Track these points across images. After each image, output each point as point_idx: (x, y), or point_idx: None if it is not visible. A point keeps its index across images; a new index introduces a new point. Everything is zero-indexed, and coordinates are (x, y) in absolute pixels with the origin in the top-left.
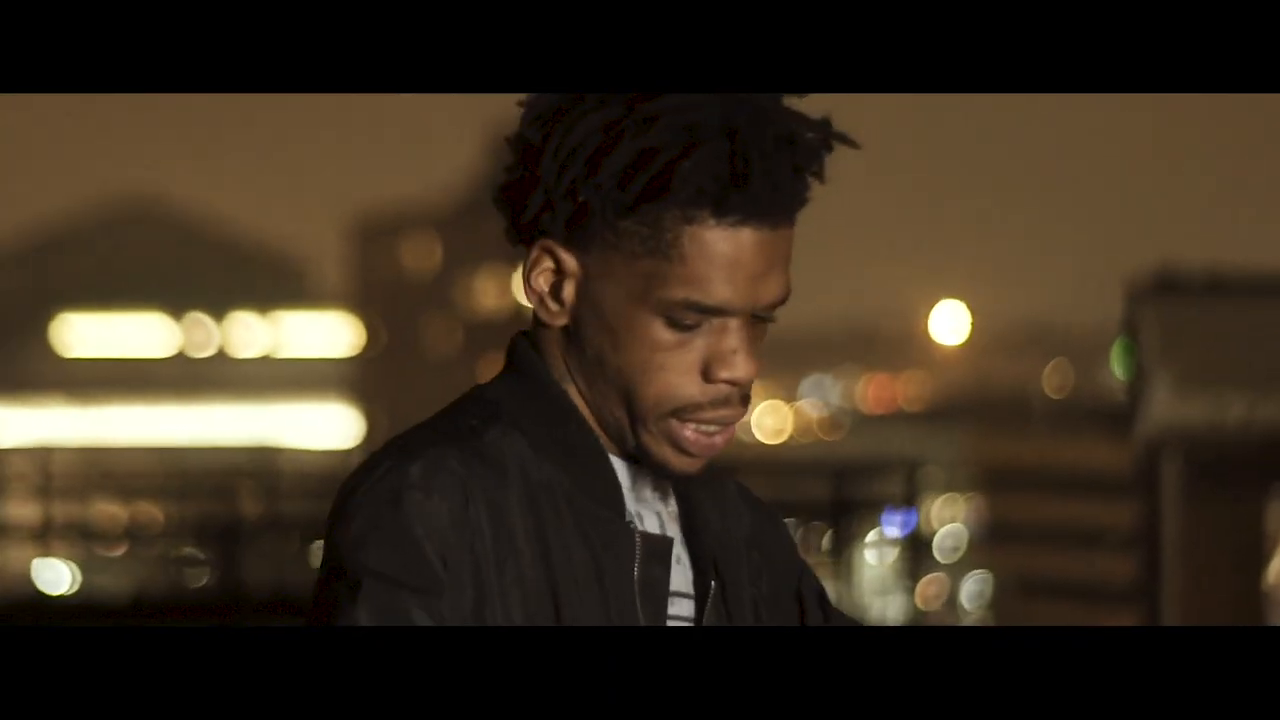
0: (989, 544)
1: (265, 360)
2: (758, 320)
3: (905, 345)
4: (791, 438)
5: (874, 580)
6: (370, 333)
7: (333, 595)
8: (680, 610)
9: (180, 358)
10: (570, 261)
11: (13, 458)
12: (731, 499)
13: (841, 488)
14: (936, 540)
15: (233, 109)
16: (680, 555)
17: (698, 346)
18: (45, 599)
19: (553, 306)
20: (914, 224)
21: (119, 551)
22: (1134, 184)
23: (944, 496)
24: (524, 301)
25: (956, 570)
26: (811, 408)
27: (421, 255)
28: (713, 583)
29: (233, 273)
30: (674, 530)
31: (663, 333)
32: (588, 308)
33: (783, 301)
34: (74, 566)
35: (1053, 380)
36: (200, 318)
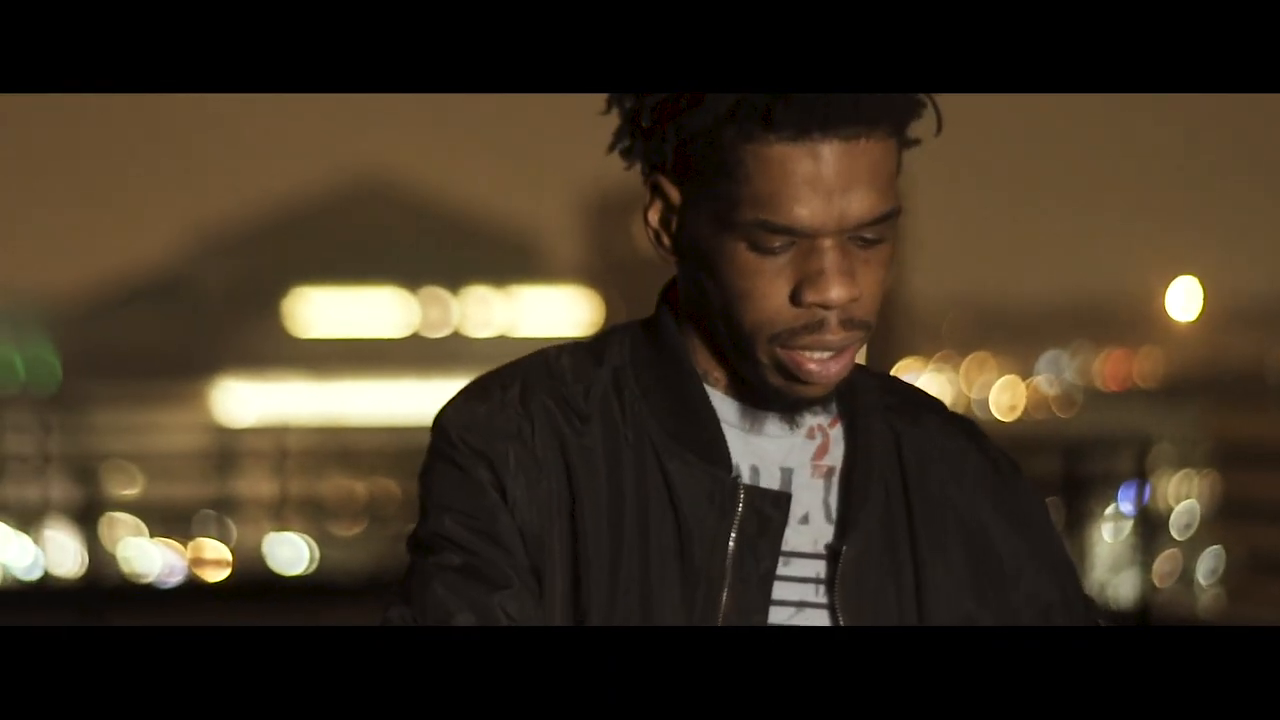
0: (1224, 520)
1: (501, 339)
2: (859, 241)
3: (1141, 321)
4: (1025, 413)
5: (1108, 557)
6: (608, 310)
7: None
8: (800, 571)
9: (416, 338)
10: (674, 193)
11: (250, 435)
12: (936, 441)
13: (1074, 464)
14: (1172, 517)
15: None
16: (813, 512)
17: (786, 269)
18: (279, 577)
19: (666, 241)
20: (1151, 199)
21: (356, 529)
22: None
23: (1180, 473)
24: None
25: (1191, 547)
26: (1047, 384)
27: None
28: (844, 547)
29: (468, 248)
30: (815, 485)
31: (747, 256)
32: (686, 238)
33: (882, 219)
34: (311, 543)
35: None
36: (437, 292)
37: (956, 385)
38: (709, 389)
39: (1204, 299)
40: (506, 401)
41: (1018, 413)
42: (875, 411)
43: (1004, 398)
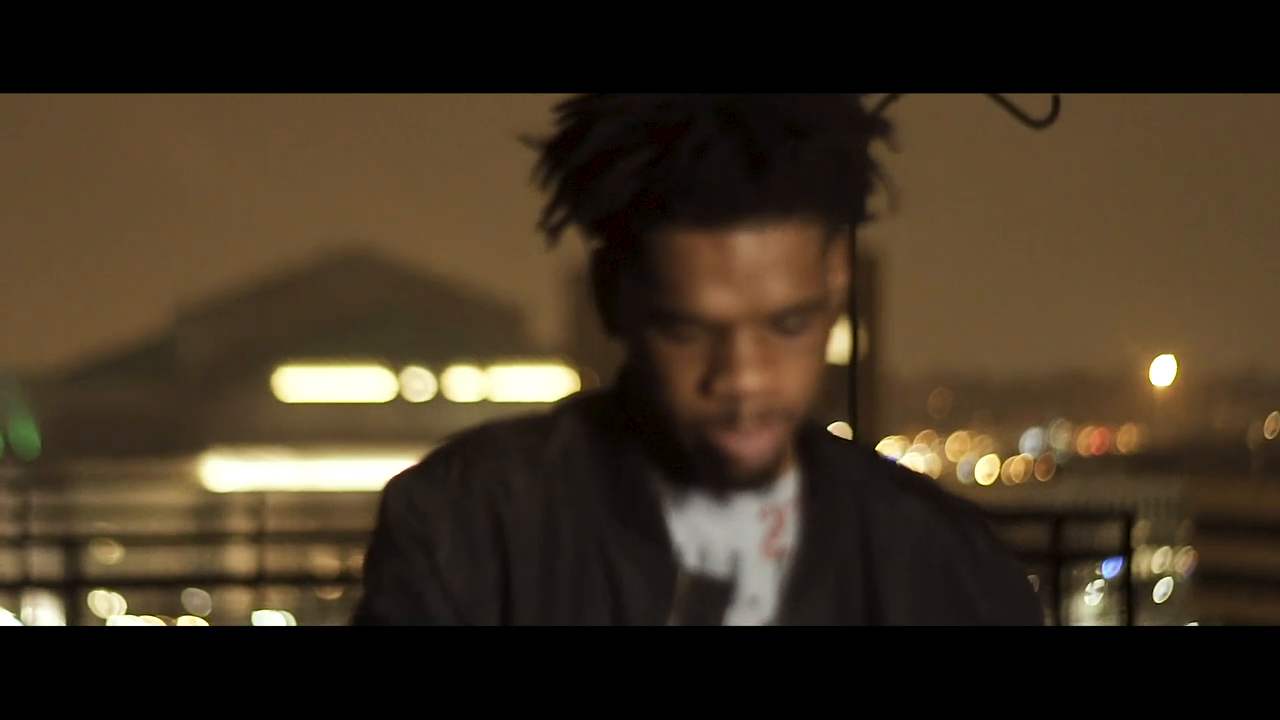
0: (1201, 590)
1: (484, 403)
2: (780, 330)
3: (1121, 398)
4: (999, 480)
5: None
6: (586, 386)
7: None
8: None
9: (400, 404)
10: (602, 269)
11: (233, 508)
12: (911, 526)
13: (1058, 536)
14: (1153, 589)
15: (441, 151)
16: (762, 593)
17: (699, 358)
18: None
19: (601, 316)
20: (1128, 276)
21: (335, 595)
22: None
23: (1161, 549)
24: None
25: (1171, 618)
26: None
27: None
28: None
29: (450, 323)
30: (766, 566)
31: (661, 344)
32: (620, 319)
33: (803, 309)
34: (291, 617)
35: (1273, 427)
36: (419, 372)
37: (940, 462)
38: (658, 469)
39: (1180, 374)
40: (449, 480)
41: (991, 479)
42: (841, 489)
43: (984, 469)
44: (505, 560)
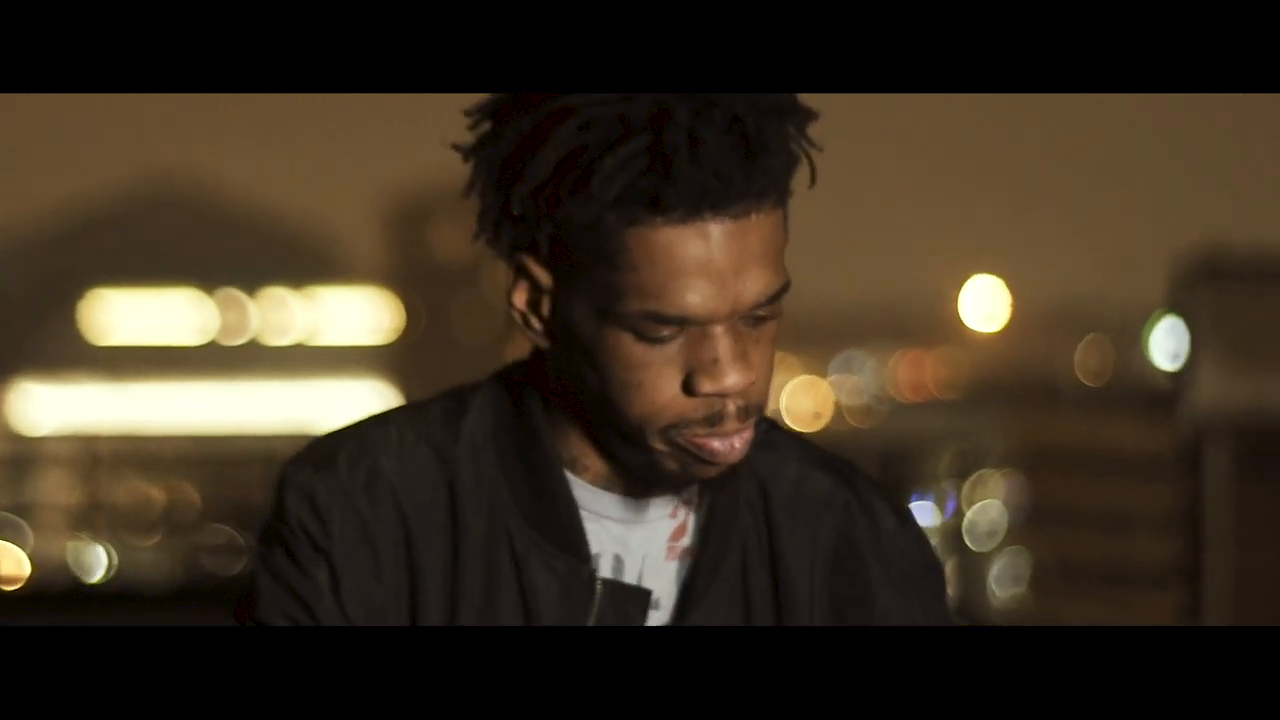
0: (1026, 526)
1: (300, 347)
2: (750, 320)
3: (938, 324)
4: (829, 426)
5: None
6: (407, 315)
7: None
8: None
9: (213, 345)
10: (544, 276)
11: (47, 440)
12: (815, 506)
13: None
14: (966, 524)
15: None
16: (664, 597)
17: (676, 359)
18: (82, 586)
19: (535, 325)
20: (946, 200)
21: (155, 538)
22: (1173, 164)
23: (976, 474)
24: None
25: (988, 554)
26: (843, 390)
27: (459, 238)
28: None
29: (266, 250)
30: (668, 568)
31: (633, 347)
32: (561, 324)
33: (775, 298)
34: (110, 550)
35: (1088, 362)
36: (234, 295)
37: None
38: (574, 477)
39: (1006, 303)
40: (352, 482)
41: (823, 421)
42: (744, 474)
43: (804, 404)
44: (411, 570)
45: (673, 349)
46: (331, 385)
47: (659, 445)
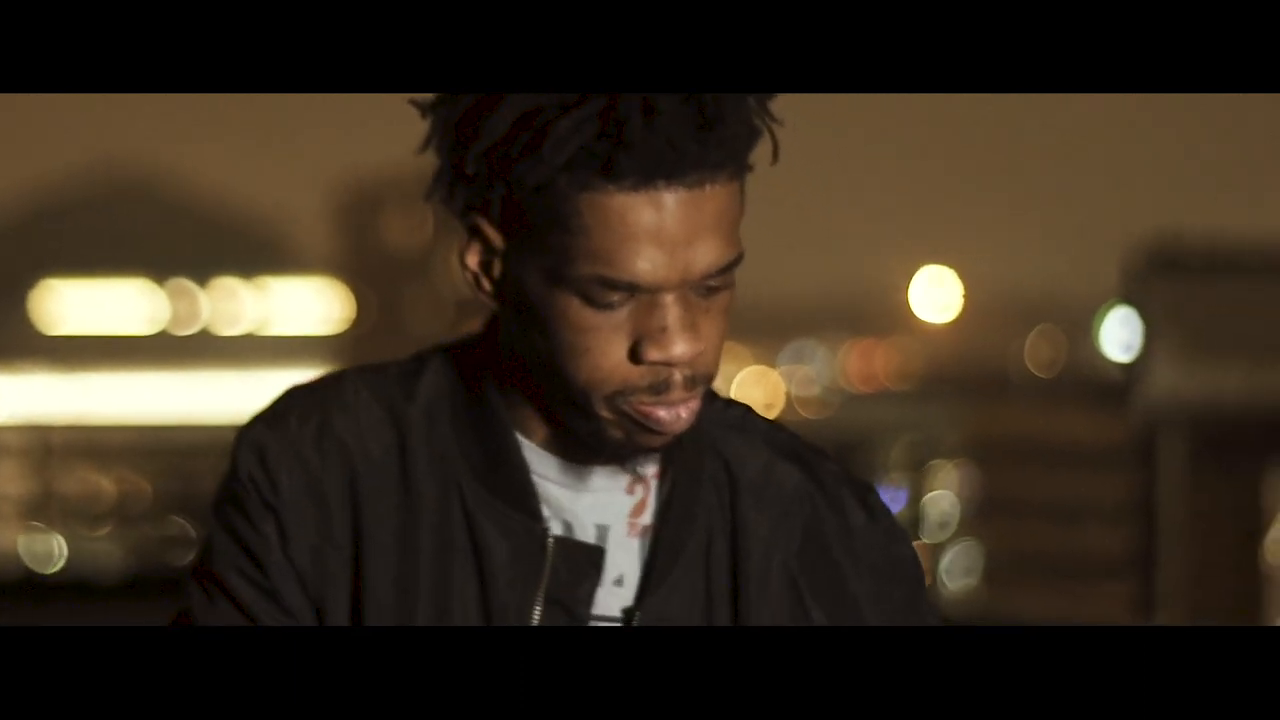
0: (978, 517)
1: (251, 337)
2: (701, 290)
3: (889, 314)
4: (780, 416)
5: None
6: (358, 305)
7: None
8: None
9: (165, 335)
10: (497, 238)
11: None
12: (783, 495)
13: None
14: (918, 515)
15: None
16: (628, 575)
17: (624, 325)
18: (34, 576)
19: (486, 286)
20: (898, 190)
21: (106, 529)
22: (1123, 155)
23: (928, 465)
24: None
25: (940, 545)
26: (793, 380)
27: (410, 228)
28: (637, 613)
29: (217, 240)
30: (631, 545)
31: (581, 312)
32: (511, 287)
33: (727, 269)
34: (62, 541)
35: (1039, 353)
36: (185, 284)
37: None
38: (524, 440)
39: (956, 292)
40: (302, 437)
41: (775, 412)
42: (710, 456)
43: (755, 394)
44: (361, 525)
45: (621, 315)
46: (283, 375)
47: (604, 412)
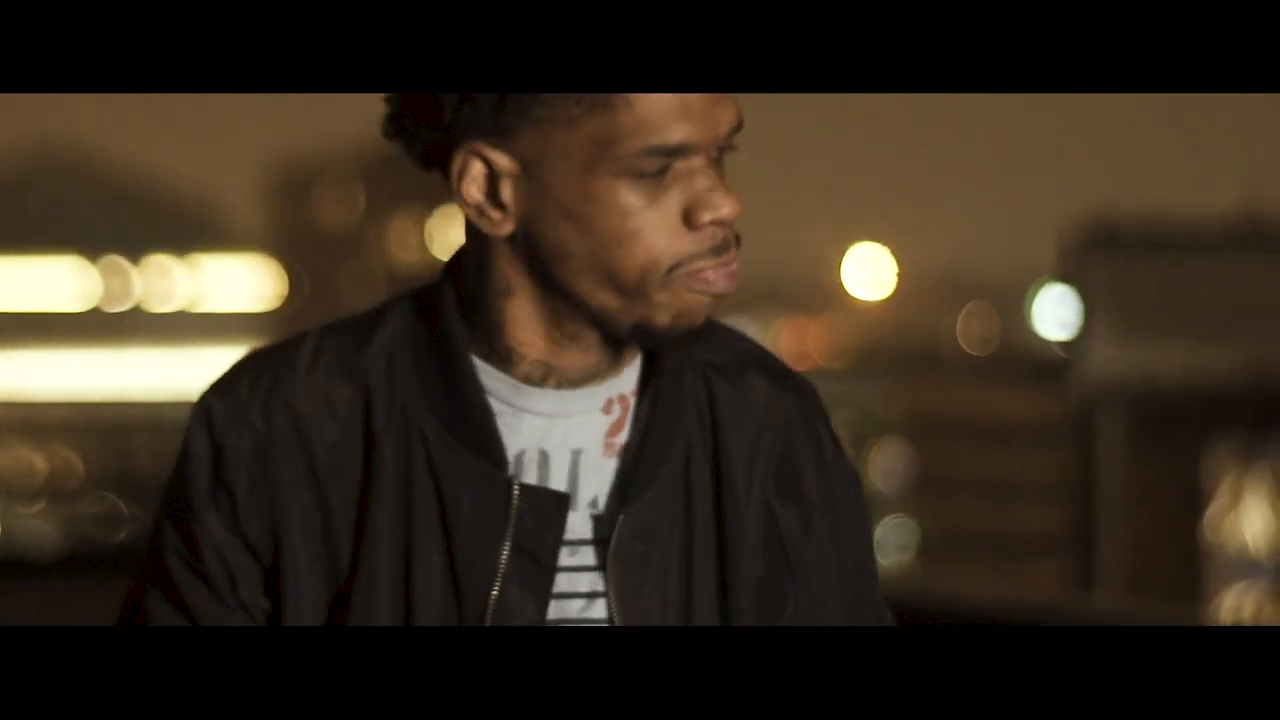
0: (912, 495)
1: (183, 314)
2: (720, 152)
3: (821, 291)
4: None
5: None
6: (290, 282)
7: None
8: (588, 560)
9: (97, 312)
10: (502, 159)
11: None
12: (758, 406)
13: None
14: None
15: None
16: (601, 496)
17: (671, 198)
18: None
19: (494, 214)
20: (830, 165)
21: (38, 505)
22: (1058, 134)
23: (861, 443)
24: (440, 255)
25: (893, 525)
26: None
27: (342, 205)
28: (621, 517)
29: (149, 217)
30: (606, 465)
31: (628, 195)
32: (535, 201)
33: (740, 126)
34: None
35: (971, 330)
36: (118, 261)
37: None
38: (501, 372)
39: (889, 269)
40: (252, 401)
41: None
42: (691, 370)
43: None
44: (319, 489)
45: (662, 189)
46: (215, 352)
47: (660, 295)
